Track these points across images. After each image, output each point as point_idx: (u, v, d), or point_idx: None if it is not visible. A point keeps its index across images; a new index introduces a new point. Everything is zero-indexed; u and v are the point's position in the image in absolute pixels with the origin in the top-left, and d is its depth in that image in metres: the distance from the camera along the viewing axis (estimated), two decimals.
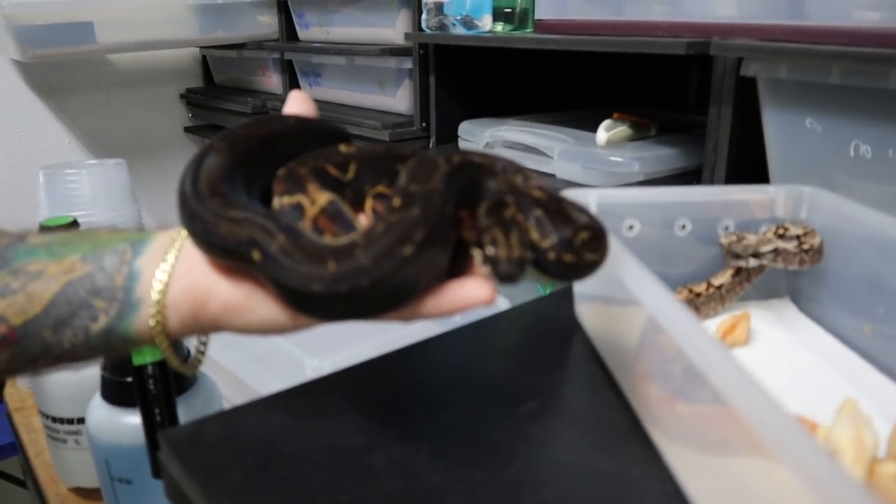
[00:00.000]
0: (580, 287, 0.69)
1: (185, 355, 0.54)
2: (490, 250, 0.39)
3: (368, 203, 0.47)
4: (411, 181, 0.42)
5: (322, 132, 0.50)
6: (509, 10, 1.28)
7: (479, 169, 0.46)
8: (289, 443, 0.51)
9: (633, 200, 0.69)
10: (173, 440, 0.52)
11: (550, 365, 0.63)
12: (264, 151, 0.46)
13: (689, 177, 1.12)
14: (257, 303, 0.41)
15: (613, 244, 0.55)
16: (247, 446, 0.51)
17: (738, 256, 0.65)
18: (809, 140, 0.88)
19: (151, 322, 0.42)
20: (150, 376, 0.72)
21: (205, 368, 0.89)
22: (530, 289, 1.30)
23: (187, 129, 2.09)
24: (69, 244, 0.44)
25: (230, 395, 0.93)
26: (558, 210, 0.43)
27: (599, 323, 0.64)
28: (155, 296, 0.42)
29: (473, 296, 0.39)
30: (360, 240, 0.37)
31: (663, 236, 0.70)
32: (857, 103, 0.82)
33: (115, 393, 0.79)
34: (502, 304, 1.08)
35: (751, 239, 0.66)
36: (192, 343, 0.56)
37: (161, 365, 0.73)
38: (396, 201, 0.40)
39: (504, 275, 0.38)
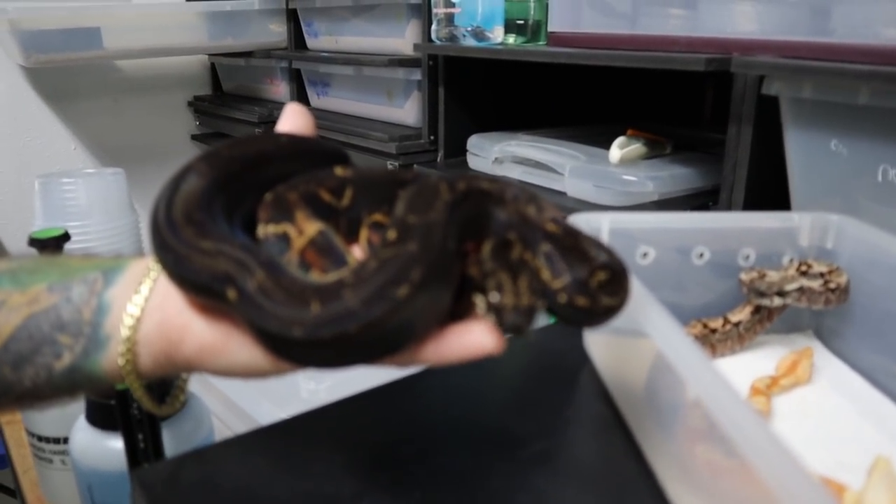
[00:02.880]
0: None
1: (161, 395, 0.49)
2: (495, 297, 0.34)
3: (363, 234, 0.42)
4: (409, 211, 0.37)
5: (317, 153, 0.45)
6: (521, 21, 1.24)
7: (486, 197, 0.41)
8: (270, 487, 0.47)
9: (648, 225, 0.65)
10: (146, 481, 0.48)
11: (556, 403, 0.59)
12: (250, 174, 0.42)
13: (704, 197, 1.08)
14: (235, 345, 0.37)
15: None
16: (225, 490, 0.47)
17: (762, 295, 0.60)
18: (834, 163, 0.83)
19: (121, 361, 0.38)
20: (134, 401, 0.69)
21: (195, 388, 0.85)
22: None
23: (194, 137, 2.06)
24: (36, 272, 0.41)
25: (222, 415, 0.89)
26: (574, 246, 0.39)
27: (610, 359, 0.60)
28: (125, 332, 0.38)
29: (479, 343, 0.34)
30: (349, 278, 0.33)
31: (679, 264, 0.65)
32: (887, 125, 0.77)
33: (100, 416, 0.76)
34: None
35: (773, 276, 0.62)
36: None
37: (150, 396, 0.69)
38: (392, 234, 0.35)
39: (510, 326, 0.34)
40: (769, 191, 0.92)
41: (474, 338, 0.35)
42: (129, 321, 0.38)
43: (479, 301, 0.35)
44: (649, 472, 0.48)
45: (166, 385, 0.50)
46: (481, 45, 1.21)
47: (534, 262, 0.38)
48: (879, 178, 0.80)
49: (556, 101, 1.43)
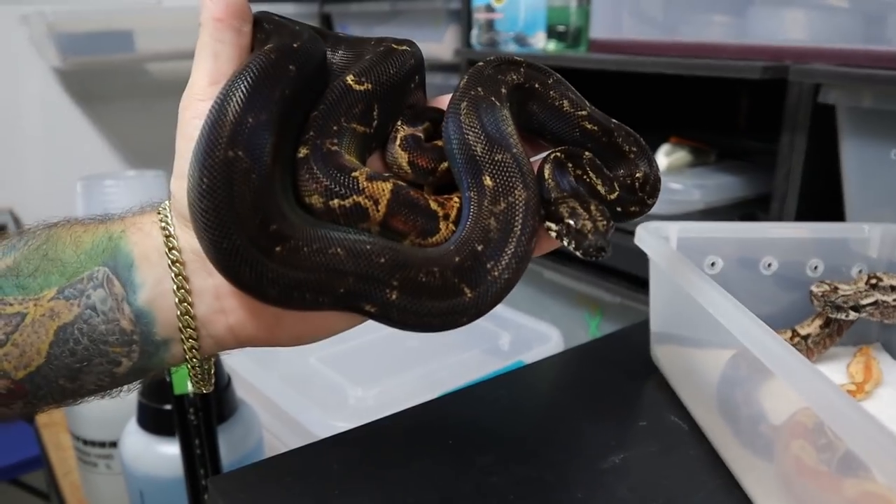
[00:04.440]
0: (659, 323, 0.63)
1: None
2: (573, 222, 0.36)
3: (403, 156, 0.39)
4: (489, 147, 0.36)
5: (319, 61, 0.38)
6: (563, 27, 1.23)
7: (522, 91, 0.41)
8: (348, 496, 0.46)
9: (716, 235, 0.64)
10: (222, 487, 0.48)
11: (627, 413, 0.58)
12: (284, 132, 0.34)
13: (750, 206, 1.07)
14: (334, 319, 0.38)
15: (703, 283, 0.50)
16: (303, 498, 0.47)
17: (837, 309, 0.59)
18: (893, 172, 0.82)
19: (188, 354, 0.38)
20: (192, 406, 0.68)
21: (242, 393, 0.85)
22: (580, 321, 1.25)
23: None
24: (36, 273, 0.37)
25: (269, 423, 0.89)
26: (611, 144, 0.42)
27: (684, 369, 0.59)
28: (188, 342, 0.37)
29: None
30: (481, 245, 0.35)
31: (747, 275, 0.64)
32: None
33: (153, 420, 0.75)
34: (557, 341, 1.03)
35: (845, 289, 0.61)
36: None
37: (203, 396, 0.68)
38: (489, 182, 0.36)
39: (594, 248, 0.35)
40: (822, 200, 0.91)
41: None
42: (189, 332, 0.37)
43: (554, 226, 0.37)
44: (734, 482, 0.47)
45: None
46: (523, 51, 1.21)
47: (588, 177, 0.40)
48: None
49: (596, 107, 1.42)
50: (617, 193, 0.40)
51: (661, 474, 0.50)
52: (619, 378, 0.64)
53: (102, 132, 1.88)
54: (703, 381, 0.55)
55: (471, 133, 0.37)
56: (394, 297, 0.33)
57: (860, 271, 0.66)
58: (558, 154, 0.40)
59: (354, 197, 0.34)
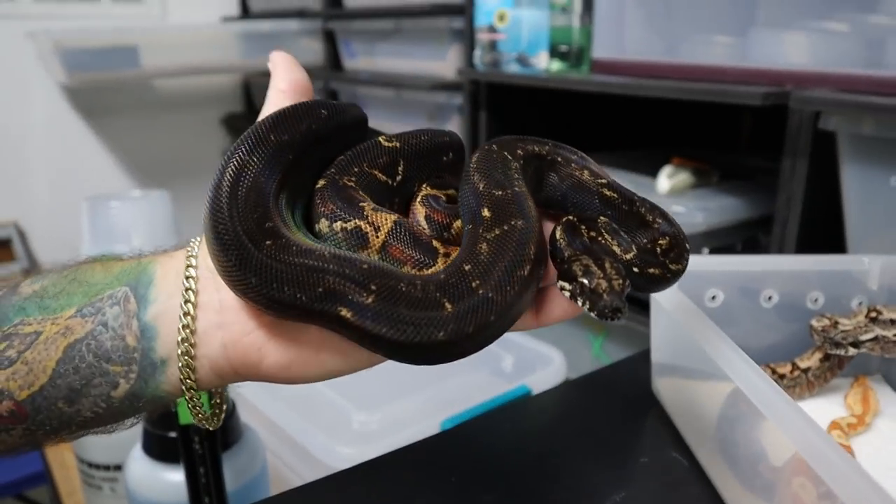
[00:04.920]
0: (660, 357, 0.64)
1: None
2: (587, 281, 0.34)
3: (420, 210, 0.40)
4: (491, 186, 0.37)
5: (351, 122, 0.42)
6: (565, 47, 1.24)
7: (541, 160, 0.42)
8: None
9: (716, 268, 0.64)
10: None
11: (628, 449, 0.58)
12: (303, 159, 0.38)
13: (753, 228, 1.07)
14: (328, 355, 0.35)
15: (705, 322, 0.51)
16: None
17: (836, 345, 0.60)
18: (893, 199, 0.83)
19: (185, 385, 0.37)
20: (197, 435, 0.69)
21: (247, 417, 0.85)
22: (583, 340, 1.25)
23: None
24: (60, 294, 0.38)
25: (274, 447, 0.89)
26: (631, 212, 0.40)
27: (683, 404, 0.59)
28: (182, 359, 0.36)
29: (568, 309, 0.37)
30: (470, 268, 0.33)
31: (748, 307, 0.65)
32: None
33: (158, 447, 0.76)
34: (559, 364, 1.04)
35: (845, 323, 0.61)
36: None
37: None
38: (487, 213, 0.36)
39: (609, 309, 0.33)
40: (823, 225, 0.91)
41: (564, 304, 0.37)
42: (184, 346, 0.36)
43: (567, 286, 0.35)
44: None
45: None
46: (525, 72, 1.21)
47: (604, 238, 0.39)
48: None
49: (597, 127, 1.43)
50: (633, 254, 0.39)
51: None
52: (620, 411, 0.64)
53: (108, 147, 1.89)
54: (703, 417, 0.55)
55: (477, 175, 0.38)
56: (370, 300, 0.31)
57: (860, 303, 0.66)
58: (570, 217, 0.39)
59: (356, 221, 0.36)
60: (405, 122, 1.51)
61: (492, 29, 1.24)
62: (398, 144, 0.41)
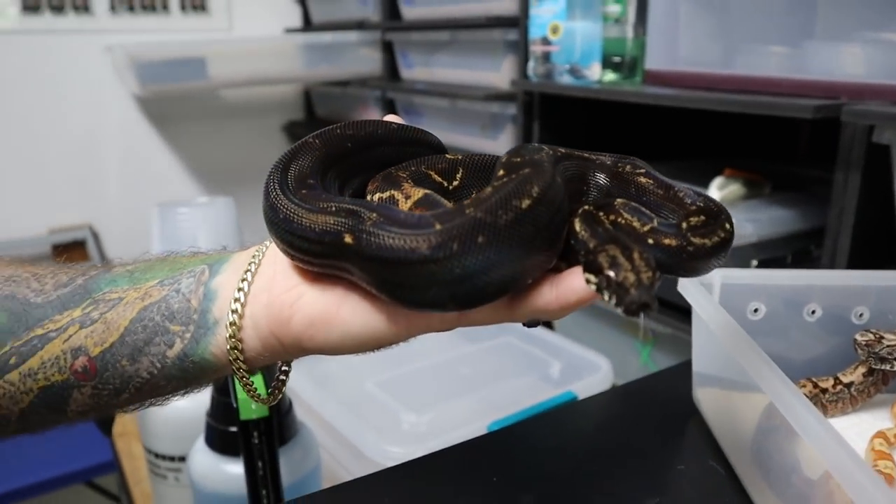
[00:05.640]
0: (701, 367, 0.65)
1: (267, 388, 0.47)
2: (613, 274, 0.32)
3: None
4: (513, 156, 0.37)
5: (423, 142, 0.46)
6: (618, 58, 1.25)
7: (584, 161, 0.42)
8: None
9: (760, 282, 0.65)
10: None
11: (666, 456, 0.60)
12: (360, 154, 0.42)
13: (804, 240, 1.07)
14: (349, 311, 0.37)
15: (741, 335, 0.52)
16: None
17: (882, 360, 0.60)
18: None
19: (229, 343, 0.39)
20: (256, 430, 0.73)
21: (302, 415, 0.90)
22: (631, 348, 1.26)
23: None
24: (149, 269, 0.43)
25: (327, 445, 0.93)
26: (668, 197, 0.40)
27: (722, 414, 0.61)
28: (230, 316, 0.39)
29: (586, 286, 0.34)
30: (468, 203, 0.33)
31: (791, 321, 0.66)
32: None
33: (220, 441, 0.81)
34: (606, 371, 1.05)
35: (891, 339, 0.61)
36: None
37: (267, 420, 0.73)
38: (501, 172, 0.35)
39: (639, 304, 0.30)
40: (876, 238, 0.90)
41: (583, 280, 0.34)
42: (234, 304, 0.39)
43: (593, 278, 0.33)
44: None
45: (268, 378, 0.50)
46: (578, 83, 1.23)
47: (623, 219, 0.37)
48: None
49: (649, 137, 1.44)
50: (651, 227, 0.36)
51: None
52: (661, 419, 0.65)
53: (176, 154, 1.98)
54: (740, 428, 0.56)
55: (503, 155, 0.39)
56: (368, 224, 0.33)
57: None
58: (586, 207, 0.37)
59: (392, 191, 0.39)
60: (460, 132, 1.54)
61: (545, 41, 1.26)
62: (460, 157, 0.44)
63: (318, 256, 0.36)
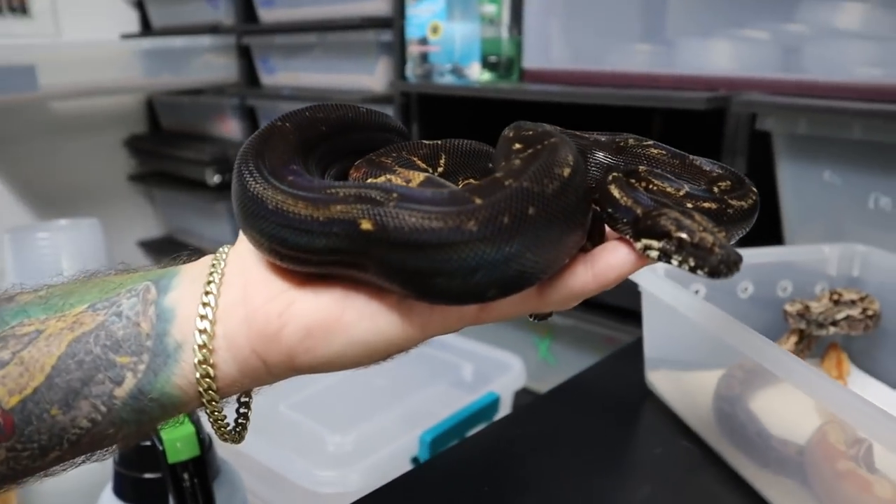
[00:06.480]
0: (655, 350, 0.66)
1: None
2: (688, 236, 0.29)
3: None
4: (520, 131, 0.35)
5: (392, 128, 0.42)
6: (495, 58, 1.27)
7: (579, 139, 0.39)
8: None
9: None
10: None
11: (638, 444, 0.60)
12: (336, 138, 0.38)
13: None
14: (354, 314, 0.31)
15: (700, 305, 0.53)
16: None
17: (819, 325, 0.64)
18: (827, 193, 0.89)
19: (198, 371, 0.32)
20: (186, 472, 0.65)
21: (224, 454, 0.82)
22: (528, 343, 1.28)
23: (132, 178, 1.97)
24: (70, 294, 0.34)
25: (246, 479, 0.85)
26: (684, 165, 0.38)
27: (683, 393, 0.62)
28: (199, 338, 0.32)
29: (626, 258, 0.32)
30: (501, 175, 0.29)
31: (728, 299, 0.69)
32: (879, 157, 0.84)
33: (134, 490, 0.71)
34: (519, 369, 1.05)
35: (815, 307, 0.66)
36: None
37: (198, 461, 0.65)
38: (517, 146, 0.33)
39: (730, 263, 0.29)
40: (761, 219, 0.97)
41: (621, 253, 0.32)
42: (202, 323, 0.32)
43: (655, 244, 0.31)
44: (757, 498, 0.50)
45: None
46: (460, 82, 1.23)
47: (653, 185, 0.35)
48: (871, 205, 0.86)
49: None
50: (685, 191, 0.35)
51: (698, 497, 0.52)
52: (616, 408, 0.66)
53: (6, 175, 1.76)
54: (705, 404, 0.58)
55: (505, 131, 0.37)
56: (391, 205, 0.28)
57: (823, 289, 0.71)
58: (615, 174, 0.35)
59: (387, 175, 0.35)
60: None
61: (423, 41, 1.24)
62: (439, 142, 0.40)
63: (321, 252, 0.30)
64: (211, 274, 0.33)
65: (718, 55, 1.03)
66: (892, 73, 0.88)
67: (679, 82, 1.03)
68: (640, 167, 0.37)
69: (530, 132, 0.34)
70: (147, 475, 0.71)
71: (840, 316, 0.65)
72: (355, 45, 1.38)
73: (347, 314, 0.31)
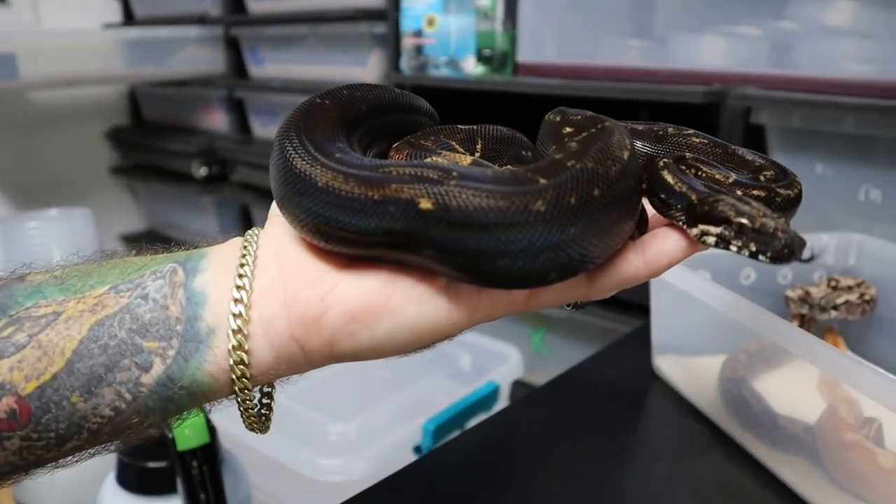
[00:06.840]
0: (662, 336, 0.67)
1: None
2: (749, 222, 0.29)
3: None
4: (569, 115, 0.35)
5: (425, 112, 0.42)
6: (489, 52, 1.27)
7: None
8: None
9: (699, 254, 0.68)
10: None
11: (649, 427, 0.61)
12: (375, 118, 0.37)
13: None
14: (402, 297, 0.30)
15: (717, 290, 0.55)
16: None
17: (822, 309, 0.66)
18: (819, 185, 0.91)
19: (232, 357, 0.30)
20: (195, 460, 0.65)
21: (228, 445, 0.81)
22: (522, 334, 1.28)
23: (114, 170, 1.95)
24: (89, 275, 0.32)
25: (253, 472, 0.85)
26: (726, 154, 0.38)
27: (692, 375, 0.63)
28: (233, 322, 0.30)
29: (678, 244, 0.32)
30: (560, 157, 0.29)
31: (730, 286, 0.70)
32: (869, 150, 0.86)
33: (138, 480, 0.71)
34: (516, 360, 1.05)
35: (815, 292, 0.68)
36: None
37: (207, 448, 0.65)
38: (568, 129, 0.33)
39: (793, 248, 0.29)
40: None
41: (672, 239, 0.32)
42: (236, 307, 0.30)
43: (713, 229, 0.31)
44: (771, 479, 0.52)
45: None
46: (455, 75, 1.23)
47: (701, 171, 0.35)
48: (862, 197, 0.89)
49: (523, 129, 1.47)
50: (733, 179, 0.35)
51: (710, 482, 0.53)
52: (625, 394, 0.67)
53: None
54: (712, 385, 0.59)
55: (548, 116, 0.37)
56: (452, 183, 0.27)
57: (821, 276, 0.73)
58: (665, 160, 0.35)
59: (432, 157, 0.35)
60: None
61: (418, 34, 1.25)
62: (475, 127, 0.40)
63: (373, 234, 0.29)
64: (244, 256, 0.32)
65: (710, 51, 1.05)
66: (881, 69, 0.90)
67: (671, 77, 1.05)
68: (687, 154, 0.37)
69: (579, 116, 0.34)
70: (151, 464, 0.70)
71: (840, 300, 0.67)
72: (348, 36, 1.38)
73: (394, 298, 0.30)
